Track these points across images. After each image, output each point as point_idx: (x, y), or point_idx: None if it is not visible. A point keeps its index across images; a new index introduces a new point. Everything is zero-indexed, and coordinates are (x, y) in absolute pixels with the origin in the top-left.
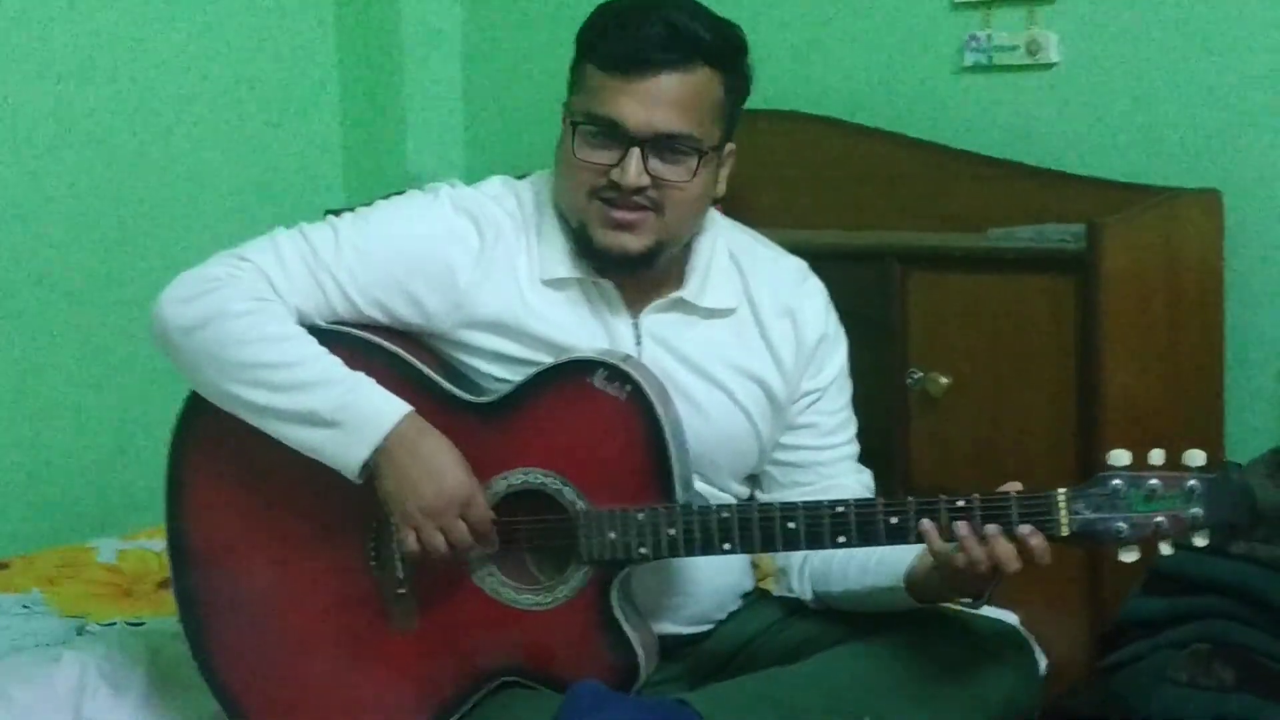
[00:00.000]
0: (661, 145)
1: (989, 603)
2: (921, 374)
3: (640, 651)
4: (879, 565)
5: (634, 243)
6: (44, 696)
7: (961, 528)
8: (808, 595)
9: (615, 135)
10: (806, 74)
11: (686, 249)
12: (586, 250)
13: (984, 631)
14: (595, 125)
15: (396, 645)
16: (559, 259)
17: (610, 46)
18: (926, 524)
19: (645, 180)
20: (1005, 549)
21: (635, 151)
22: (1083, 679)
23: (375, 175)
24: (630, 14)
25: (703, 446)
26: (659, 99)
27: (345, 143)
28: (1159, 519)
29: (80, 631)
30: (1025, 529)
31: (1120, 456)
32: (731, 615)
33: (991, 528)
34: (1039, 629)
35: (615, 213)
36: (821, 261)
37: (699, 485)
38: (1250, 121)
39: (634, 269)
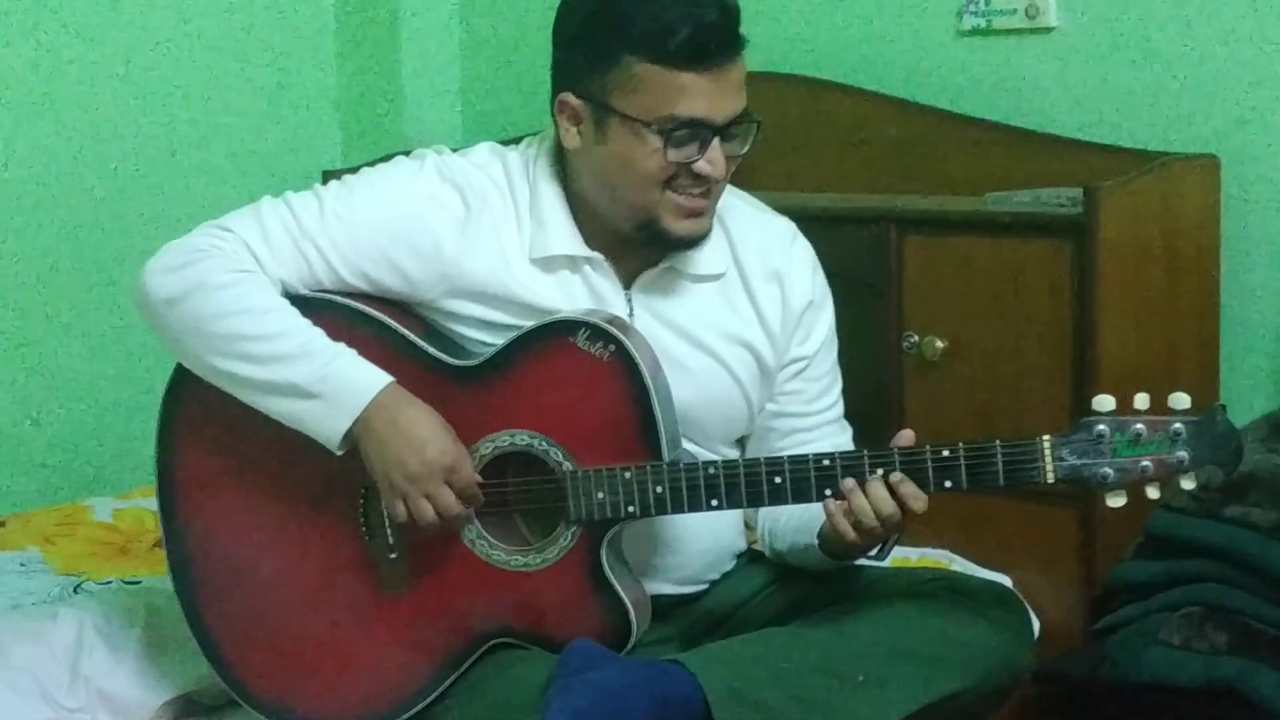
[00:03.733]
0: (732, 129)
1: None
2: (918, 338)
3: (632, 610)
4: (803, 523)
5: (707, 224)
6: (42, 654)
7: (849, 484)
8: (768, 551)
9: (695, 129)
10: (804, 37)
11: None
12: (650, 238)
13: (978, 591)
14: (686, 128)
15: (388, 609)
16: (552, 237)
17: (676, 42)
18: (832, 504)
19: (725, 166)
20: (880, 492)
21: (716, 142)
22: (1075, 642)
23: (372, 137)
24: (678, 3)
25: (694, 412)
26: (732, 88)
27: (342, 104)
28: (1145, 463)
29: (77, 589)
30: (895, 476)
31: (1105, 402)
32: (725, 576)
33: (877, 474)
34: (1031, 592)
35: (695, 203)
36: (818, 224)
37: (690, 449)
38: (1249, 88)
39: (698, 246)
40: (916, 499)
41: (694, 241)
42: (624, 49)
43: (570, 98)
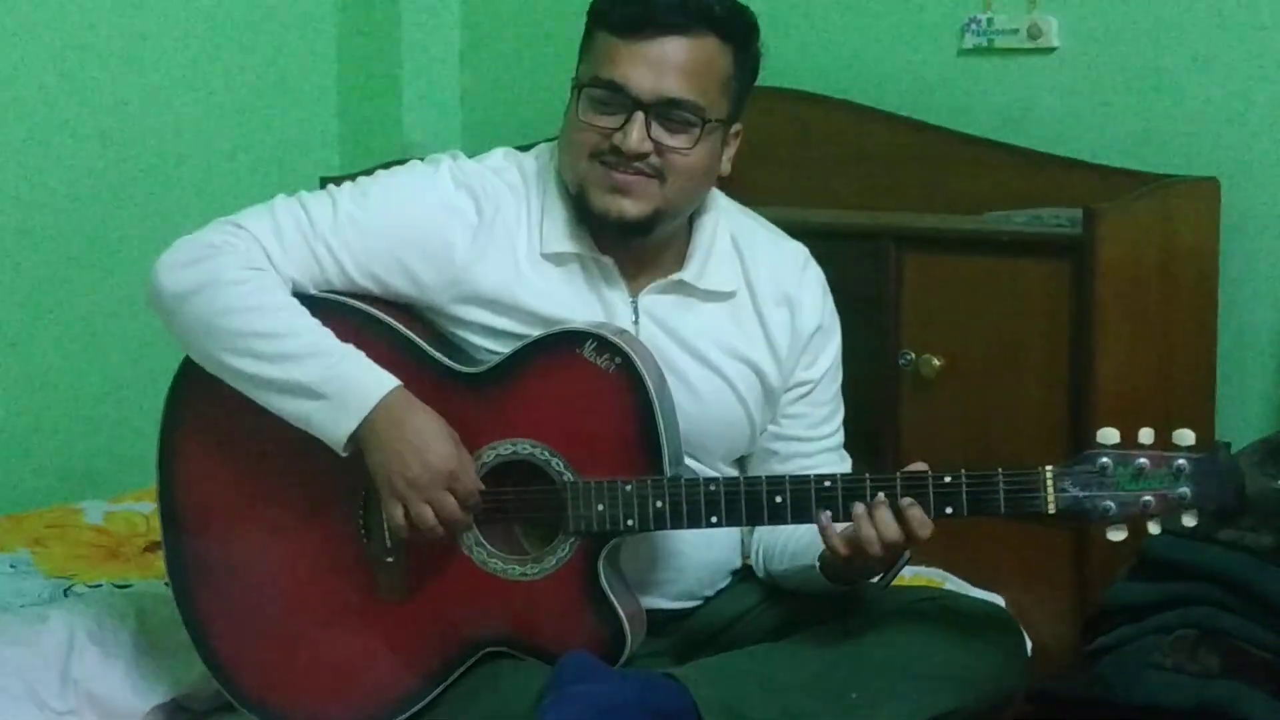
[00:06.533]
0: (665, 111)
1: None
2: (914, 355)
3: (627, 623)
4: (803, 545)
5: (632, 208)
6: (31, 656)
7: (857, 507)
8: (761, 572)
9: (620, 99)
10: (806, 53)
11: (688, 230)
12: (585, 215)
13: (971, 611)
14: (600, 88)
15: (384, 613)
16: (561, 233)
17: (619, 10)
18: (825, 518)
19: (647, 146)
20: (885, 518)
21: (639, 116)
22: (1068, 663)
23: (371, 143)
24: None
25: (696, 428)
26: (665, 63)
27: (342, 110)
28: (1146, 498)
29: (67, 592)
30: (905, 500)
31: (1109, 435)
32: (719, 592)
33: (879, 497)
34: (1025, 612)
35: (615, 175)
36: (817, 241)
37: (691, 465)
38: (1249, 110)
39: (631, 236)
40: (923, 525)
41: (619, 223)
42: (594, 24)
43: (572, 82)
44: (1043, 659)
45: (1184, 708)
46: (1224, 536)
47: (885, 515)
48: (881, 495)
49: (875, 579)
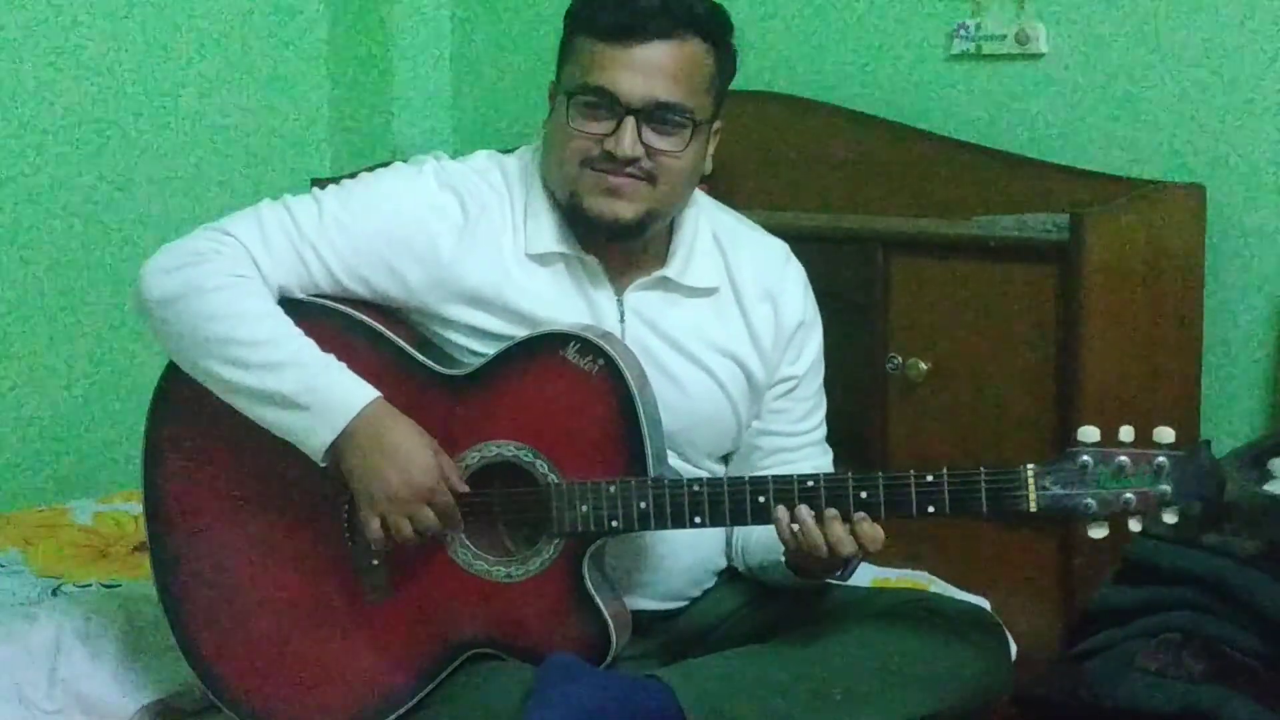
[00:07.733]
0: (655, 115)
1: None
2: (902, 359)
3: (612, 624)
4: (774, 539)
5: (626, 210)
6: (19, 655)
7: (803, 511)
8: (741, 566)
9: (609, 105)
10: (795, 58)
11: (670, 227)
12: (577, 220)
13: (956, 613)
14: (590, 95)
15: (369, 615)
16: (545, 234)
17: (604, 16)
18: (781, 511)
19: (640, 150)
20: (838, 532)
21: (630, 121)
22: (1052, 666)
23: (362, 145)
24: None
25: (682, 424)
26: (653, 68)
27: (333, 112)
28: (1127, 495)
29: (56, 591)
30: (858, 515)
31: (1089, 433)
32: (705, 593)
33: (830, 511)
34: (1010, 615)
35: (609, 179)
36: (805, 244)
37: (676, 463)
38: (1236, 117)
39: (624, 238)
40: (873, 541)
41: (614, 226)
42: (575, 29)
43: (551, 85)
44: (1027, 662)
45: (1168, 711)
46: (1208, 541)
47: (838, 530)
48: (834, 510)
49: (837, 573)
